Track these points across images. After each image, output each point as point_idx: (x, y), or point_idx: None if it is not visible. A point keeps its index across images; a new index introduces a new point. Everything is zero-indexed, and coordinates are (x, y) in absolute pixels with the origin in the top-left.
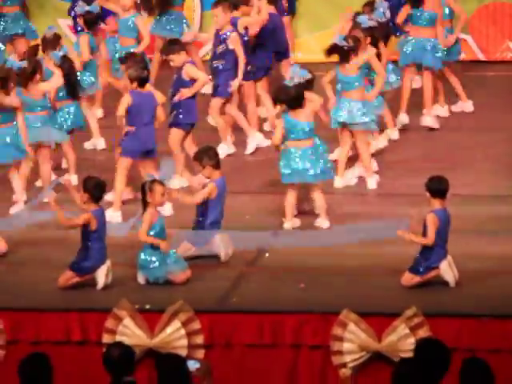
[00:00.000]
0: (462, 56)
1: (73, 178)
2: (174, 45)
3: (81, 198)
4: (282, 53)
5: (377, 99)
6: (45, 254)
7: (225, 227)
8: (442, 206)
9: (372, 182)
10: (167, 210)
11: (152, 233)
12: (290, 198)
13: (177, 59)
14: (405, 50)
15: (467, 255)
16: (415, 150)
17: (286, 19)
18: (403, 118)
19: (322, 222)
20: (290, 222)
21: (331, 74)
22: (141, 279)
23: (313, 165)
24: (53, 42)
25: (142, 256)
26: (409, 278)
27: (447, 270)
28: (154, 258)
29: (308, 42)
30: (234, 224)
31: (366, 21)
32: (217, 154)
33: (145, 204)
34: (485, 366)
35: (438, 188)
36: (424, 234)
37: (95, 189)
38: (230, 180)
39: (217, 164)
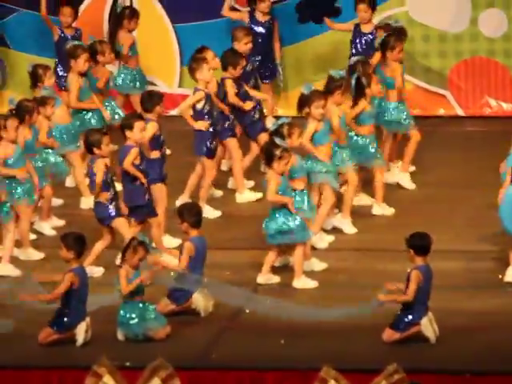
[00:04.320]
0: (441, 111)
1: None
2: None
3: (64, 256)
4: None
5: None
6: (25, 309)
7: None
8: (425, 262)
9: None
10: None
11: None
12: (271, 254)
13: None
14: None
15: (446, 311)
16: (391, 205)
17: (266, 86)
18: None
19: (296, 282)
20: (265, 277)
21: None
22: (120, 336)
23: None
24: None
25: (121, 312)
26: (389, 334)
27: (428, 326)
28: (133, 315)
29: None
30: (214, 280)
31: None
32: (199, 213)
33: (123, 257)
34: None
35: (422, 245)
36: (406, 289)
37: (78, 244)
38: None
39: (195, 223)
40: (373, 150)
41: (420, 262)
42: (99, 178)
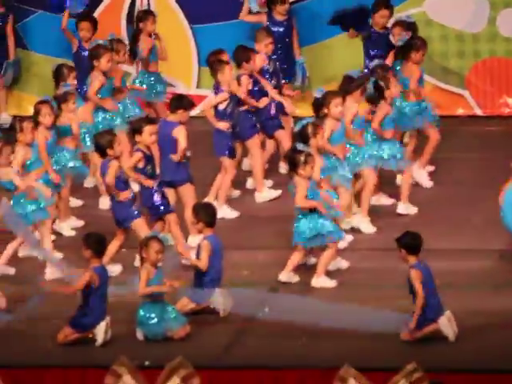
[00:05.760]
0: (460, 111)
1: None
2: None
3: (84, 254)
4: None
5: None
6: (44, 309)
7: (223, 282)
8: (418, 260)
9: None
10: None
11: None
12: (297, 254)
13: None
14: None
15: (466, 310)
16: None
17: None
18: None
19: (315, 281)
20: (287, 275)
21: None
22: (140, 335)
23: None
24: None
25: (141, 312)
26: (407, 333)
27: (447, 325)
28: (152, 315)
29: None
30: (231, 279)
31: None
32: (214, 213)
33: (141, 259)
34: None
35: (414, 244)
36: (411, 291)
37: (97, 244)
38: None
39: (210, 222)
40: (398, 155)
41: (413, 261)
42: (110, 178)
